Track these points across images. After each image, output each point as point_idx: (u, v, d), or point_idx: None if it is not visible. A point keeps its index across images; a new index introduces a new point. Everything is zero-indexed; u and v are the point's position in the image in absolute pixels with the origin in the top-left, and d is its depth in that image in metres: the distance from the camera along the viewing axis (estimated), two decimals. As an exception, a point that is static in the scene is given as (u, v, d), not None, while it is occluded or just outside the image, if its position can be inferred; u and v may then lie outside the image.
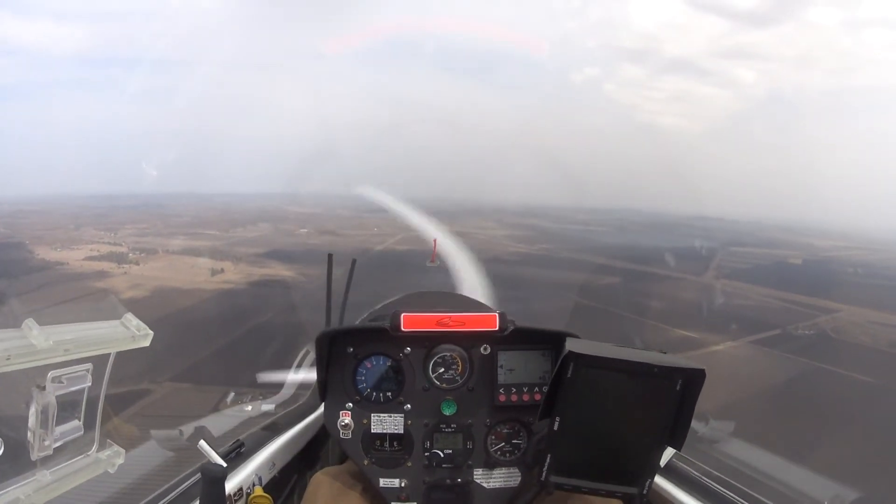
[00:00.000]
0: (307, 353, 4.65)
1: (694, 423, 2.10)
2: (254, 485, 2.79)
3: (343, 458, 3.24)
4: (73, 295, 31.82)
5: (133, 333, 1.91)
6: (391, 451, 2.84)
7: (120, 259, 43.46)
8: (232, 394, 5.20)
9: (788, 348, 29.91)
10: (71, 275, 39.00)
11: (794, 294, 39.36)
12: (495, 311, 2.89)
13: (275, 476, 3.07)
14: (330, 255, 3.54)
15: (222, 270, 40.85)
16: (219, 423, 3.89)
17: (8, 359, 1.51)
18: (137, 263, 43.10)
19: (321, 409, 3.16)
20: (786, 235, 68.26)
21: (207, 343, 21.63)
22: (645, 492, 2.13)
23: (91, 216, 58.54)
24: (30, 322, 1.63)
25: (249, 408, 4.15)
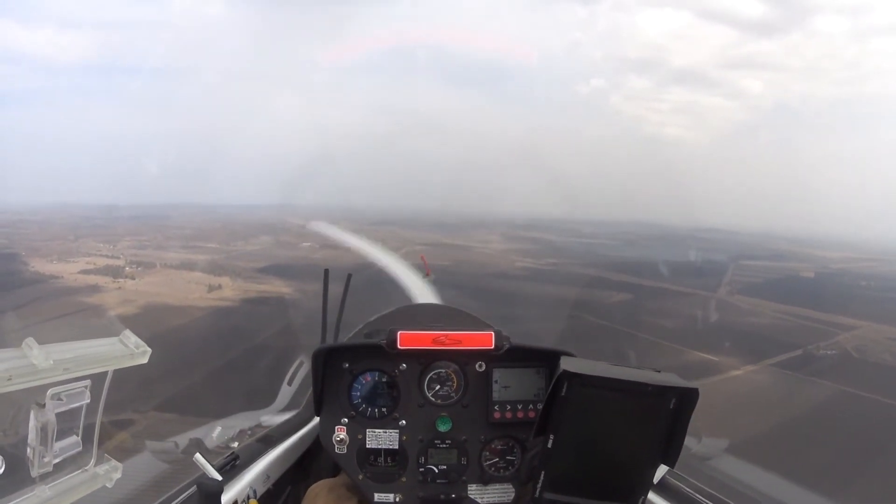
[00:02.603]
0: (301, 364, 4.64)
1: (687, 440, 2.07)
2: (248, 498, 2.76)
3: (338, 470, 3.15)
4: (64, 311, 30.98)
5: (132, 351, 1.90)
6: (386, 466, 2.87)
7: (115, 273, 42.25)
8: (219, 428, 4.80)
9: (812, 371, 28.90)
10: (63, 289, 37.91)
11: (810, 310, 38.29)
12: (491, 329, 2.91)
13: (269, 489, 3.05)
14: (326, 271, 3.47)
15: (220, 286, 39.66)
16: (213, 434, 3.92)
17: (9, 379, 1.52)
18: (133, 278, 41.89)
19: (315, 420, 3.15)
20: (794, 247, 67.26)
21: (195, 368, 20.56)
22: None
23: (92, 227, 57.82)
24: (30, 341, 1.63)
25: (244, 419, 4.20)
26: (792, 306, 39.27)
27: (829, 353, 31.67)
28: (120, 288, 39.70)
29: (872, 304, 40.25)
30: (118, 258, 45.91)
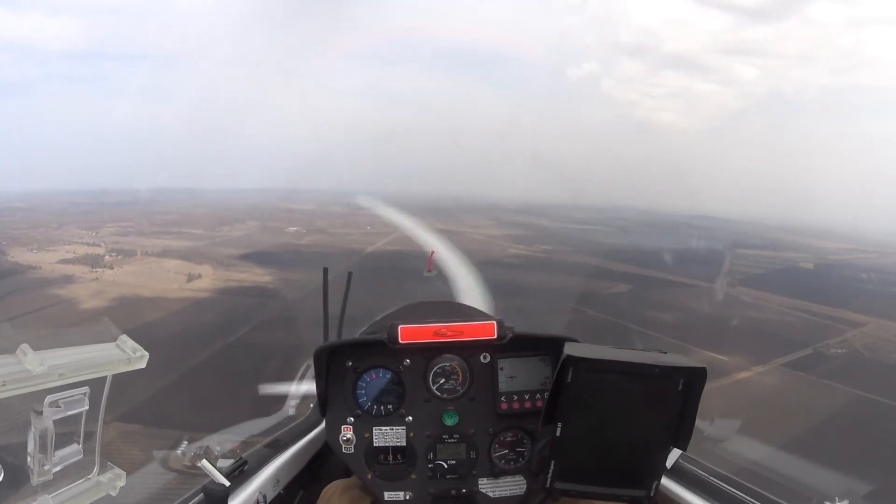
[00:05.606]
0: (308, 367, 4.52)
1: (699, 423, 2.04)
2: (258, 502, 2.70)
3: (350, 471, 2.96)
4: (37, 306, 29.91)
5: (128, 356, 1.89)
6: (394, 464, 2.83)
7: (94, 262, 41.01)
8: (185, 442, 4.95)
9: (824, 372, 27.84)
10: (39, 281, 36.69)
11: (813, 304, 37.50)
12: (493, 319, 2.89)
13: (280, 493, 3.01)
14: (325, 270, 3.42)
15: (199, 276, 38.71)
16: (221, 440, 4.11)
17: (3, 385, 1.51)
18: (111, 267, 40.67)
19: (324, 423, 2.99)
20: (789, 236, 66.83)
21: (166, 371, 19.27)
22: (652, 494, 2.10)
23: (77, 213, 57.21)
24: (24, 347, 1.63)
25: (251, 425, 4.20)
26: (795, 299, 38.50)
27: (839, 351, 30.67)
28: (97, 279, 38.57)
29: (877, 298, 39.60)
30: (99, 245, 44.98)
